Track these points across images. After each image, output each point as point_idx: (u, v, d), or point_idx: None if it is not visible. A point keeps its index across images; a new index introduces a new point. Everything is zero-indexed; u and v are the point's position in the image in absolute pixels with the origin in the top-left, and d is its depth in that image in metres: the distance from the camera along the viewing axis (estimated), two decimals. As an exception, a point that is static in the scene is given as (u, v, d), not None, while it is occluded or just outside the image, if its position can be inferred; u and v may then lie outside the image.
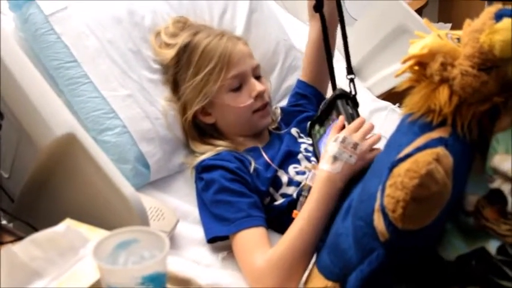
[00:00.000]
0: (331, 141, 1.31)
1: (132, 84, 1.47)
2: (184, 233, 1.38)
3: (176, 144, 1.51)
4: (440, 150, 0.97)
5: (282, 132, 1.60)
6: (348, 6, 2.10)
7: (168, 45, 1.56)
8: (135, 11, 1.59)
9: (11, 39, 1.13)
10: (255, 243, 1.29)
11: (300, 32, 2.09)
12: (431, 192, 0.94)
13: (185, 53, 1.52)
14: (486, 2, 2.86)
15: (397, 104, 1.99)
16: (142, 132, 1.44)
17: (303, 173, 1.44)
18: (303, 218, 1.26)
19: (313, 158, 1.48)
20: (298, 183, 1.41)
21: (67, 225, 0.96)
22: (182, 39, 1.53)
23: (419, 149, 0.99)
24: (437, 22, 3.31)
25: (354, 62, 2.11)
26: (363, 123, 1.35)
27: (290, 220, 1.29)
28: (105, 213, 1.10)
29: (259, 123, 1.54)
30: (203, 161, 1.46)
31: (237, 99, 1.50)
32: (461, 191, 1.03)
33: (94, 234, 0.99)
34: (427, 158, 0.95)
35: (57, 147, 1.09)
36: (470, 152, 1.05)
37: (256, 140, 1.55)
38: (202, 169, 1.45)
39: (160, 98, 1.52)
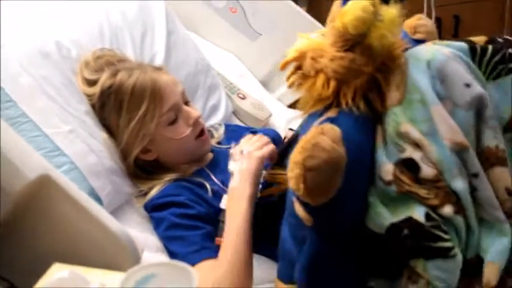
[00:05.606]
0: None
1: (72, 118, 1.43)
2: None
3: (122, 174, 1.49)
4: (325, 125, 1.06)
5: (225, 147, 1.62)
6: (252, 21, 2.15)
7: (90, 82, 1.52)
8: (61, 43, 1.55)
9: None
10: (206, 276, 1.29)
11: (207, 49, 2.11)
12: (322, 160, 1.02)
13: (109, 98, 1.47)
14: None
15: (310, 111, 2.06)
16: (90, 167, 1.40)
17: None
18: (232, 234, 1.33)
19: None
20: None
21: (70, 270, 0.93)
22: (102, 81, 1.48)
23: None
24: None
25: (261, 75, 2.20)
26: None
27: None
28: (89, 252, 1.07)
29: (202, 149, 1.57)
30: (151, 200, 1.45)
31: (176, 130, 1.50)
32: (367, 161, 1.11)
33: (90, 275, 0.97)
34: (312, 134, 1.04)
35: (30, 190, 1.05)
36: (365, 123, 1.13)
37: (200, 161, 1.56)
38: (151, 209, 1.45)
39: (100, 129, 1.49)
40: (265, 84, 2.20)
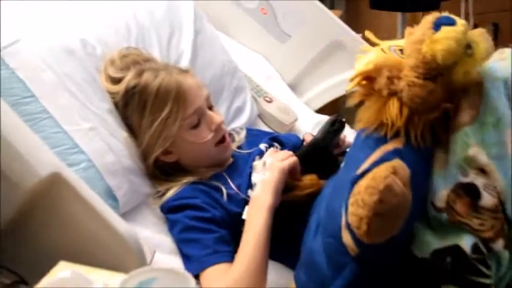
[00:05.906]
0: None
1: (93, 116, 1.43)
2: (161, 264, 1.35)
3: (141, 174, 1.49)
4: (396, 162, 1.02)
5: (245, 151, 1.61)
6: (281, 23, 2.14)
7: (114, 80, 1.52)
8: (87, 41, 1.56)
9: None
10: (220, 278, 1.30)
11: (235, 50, 2.10)
12: (392, 206, 0.98)
13: (133, 98, 1.48)
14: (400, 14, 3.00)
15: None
16: (108, 165, 1.40)
17: None
18: (250, 242, 1.33)
19: None
20: None
21: (72, 270, 0.93)
22: (128, 80, 1.49)
23: (376, 164, 1.03)
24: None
25: (289, 78, 2.18)
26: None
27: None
28: (96, 252, 1.07)
29: (223, 155, 1.56)
30: (167, 202, 1.46)
31: (198, 135, 1.50)
32: (423, 195, 1.08)
33: (94, 275, 0.97)
34: (384, 173, 0.99)
35: (41, 188, 1.06)
36: (426, 155, 1.09)
37: (219, 166, 1.56)
38: (167, 210, 1.45)
39: (121, 128, 1.49)
40: (293, 87, 2.18)
